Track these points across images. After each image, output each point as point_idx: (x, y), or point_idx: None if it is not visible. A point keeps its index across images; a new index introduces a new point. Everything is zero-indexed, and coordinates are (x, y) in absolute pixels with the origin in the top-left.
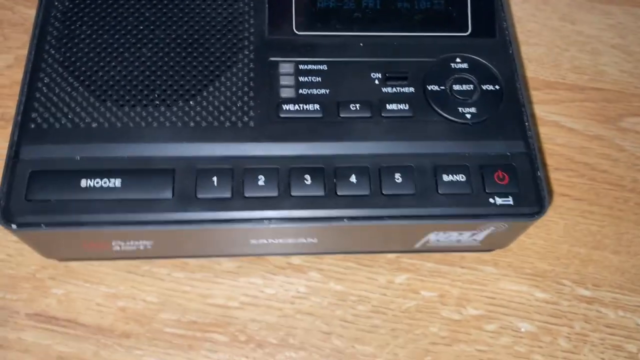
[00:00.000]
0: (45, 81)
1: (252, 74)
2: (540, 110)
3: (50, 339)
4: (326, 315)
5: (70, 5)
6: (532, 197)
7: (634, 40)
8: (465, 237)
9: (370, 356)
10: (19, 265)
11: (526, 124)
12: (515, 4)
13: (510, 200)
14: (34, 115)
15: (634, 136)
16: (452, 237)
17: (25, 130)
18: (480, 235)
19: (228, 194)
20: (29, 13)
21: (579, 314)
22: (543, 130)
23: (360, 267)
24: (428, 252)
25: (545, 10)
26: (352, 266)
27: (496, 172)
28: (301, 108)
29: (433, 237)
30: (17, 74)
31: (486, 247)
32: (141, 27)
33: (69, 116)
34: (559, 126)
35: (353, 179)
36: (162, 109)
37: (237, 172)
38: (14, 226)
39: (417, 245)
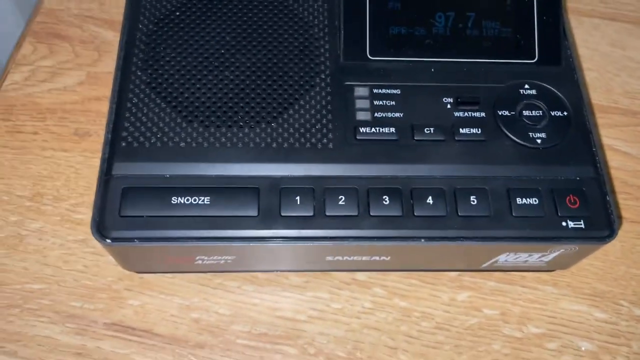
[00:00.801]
0: (133, 101)
1: (329, 98)
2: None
3: (127, 348)
4: (391, 330)
5: (155, 29)
6: (602, 221)
7: None
8: (534, 258)
9: None
10: (96, 276)
11: (594, 149)
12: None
13: (582, 224)
14: (124, 133)
15: None
16: (521, 257)
17: (116, 147)
18: (549, 257)
19: (311, 212)
20: (98, 31)
21: (637, 333)
22: None
23: (423, 285)
24: (492, 271)
25: (595, 36)
26: (415, 283)
27: (568, 196)
28: (377, 131)
29: (502, 258)
30: (88, 91)
31: (550, 267)
32: (222, 52)
33: (158, 135)
34: (613, 150)
35: (430, 200)
36: (246, 130)
37: (318, 192)
38: (108, 241)
39: (485, 265)
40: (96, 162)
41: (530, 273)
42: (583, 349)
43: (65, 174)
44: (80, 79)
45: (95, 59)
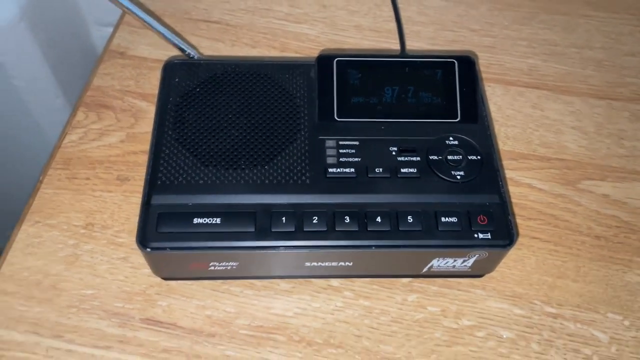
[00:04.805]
0: (165, 152)
1: (307, 147)
2: (516, 175)
3: (157, 336)
4: (357, 323)
5: (181, 100)
6: (504, 233)
7: (588, 123)
8: (459, 263)
9: (391, 353)
10: (133, 284)
11: (500, 183)
12: (497, 95)
13: (489, 236)
14: (159, 174)
15: (588, 195)
16: (449, 263)
17: (154, 185)
18: (469, 262)
19: (293, 229)
20: (134, 102)
21: (547, 325)
22: (519, 190)
23: (382, 289)
24: (432, 277)
25: (519, 100)
26: (376, 288)
27: (479, 215)
28: (341, 171)
29: (435, 263)
30: (127, 147)
31: (476, 272)
32: (230, 116)
33: (183, 176)
34: (531, 187)
35: (378, 219)
36: (247, 171)
37: (298, 214)
38: (148, 250)
39: (424, 270)
40: (134, 200)
41: (465, 280)
42: (504, 336)
43: (110, 209)
44: (121, 137)
45: (132, 122)
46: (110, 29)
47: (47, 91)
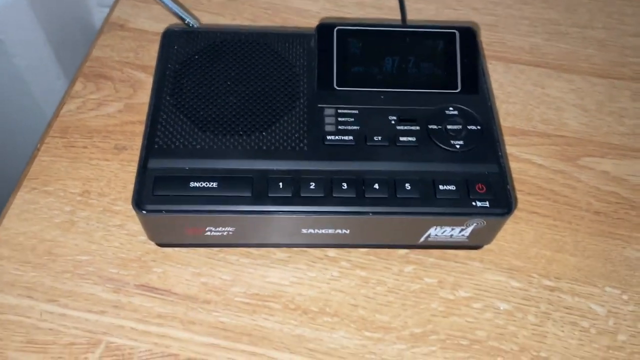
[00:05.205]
0: (163, 117)
1: (306, 115)
2: (517, 151)
3: (152, 302)
4: (354, 292)
5: (179, 67)
6: (503, 202)
7: (589, 101)
8: (456, 232)
9: (387, 323)
10: (129, 251)
11: (499, 153)
12: (498, 72)
13: (487, 204)
14: (156, 139)
15: (588, 171)
16: (446, 232)
17: (151, 149)
18: (467, 231)
19: (290, 194)
20: (133, 73)
21: (544, 298)
22: (519, 165)
23: (379, 259)
24: (430, 247)
25: (521, 78)
26: (373, 258)
27: (477, 184)
28: (340, 138)
29: (433, 232)
30: (125, 117)
31: (473, 243)
32: (229, 83)
33: (180, 140)
34: (531, 163)
35: (376, 186)
36: (244, 137)
37: (295, 180)
38: (143, 212)
39: (422, 240)
40: (131, 169)
41: (462, 252)
42: (502, 308)
43: (107, 177)
44: (119, 107)
45: (131, 93)
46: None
47: (48, 71)
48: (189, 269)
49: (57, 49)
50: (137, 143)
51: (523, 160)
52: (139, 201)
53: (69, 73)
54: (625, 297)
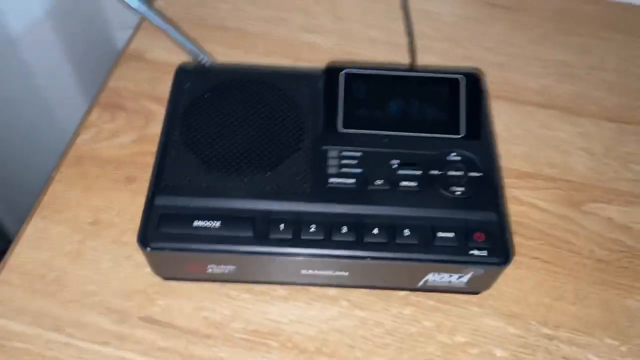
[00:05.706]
0: (172, 155)
1: (310, 156)
2: (521, 194)
3: (154, 335)
4: (351, 333)
5: (190, 105)
6: (501, 251)
7: (596, 145)
8: (454, 278)
9: None
10: (135, 283)
11: (499, 201)
12: (506, 113)
13: (485, 253)
14: (164, 176)
15: (592, 217)
16: (444, 278)
17: (158, 186)
18: (465, 278)
19: (290, 236)
20: (147, 104)
21: (542, 346)
22: (522, 209)
23: (378, 300)
24: (428, 291)
25: (529, 120)
26: (372, 299)
27: (476, 232)
28: (342, 181)
29: (431, 277)
30: (138, 147)
31: (472, 288)
32: (237, 122)
33: (187, 178)
34: (535, 206)
35: (375, 231)
36: (249, 177)
37: (296, 222)
38: (148, 249)
39: (420, 284)
40: (140, 199)
41: (462, 296)
42: (498, 354)
43: (117, 208)
44: (132, 138)
45: (143, 124)
46: (132, 32)
47: (68, 90)
48: (191, 302)
49: (77, 68)
50: (148, 174)
51: (527, 203)
52: (144, 238)
53: (88, 91)
54: (623, 348)
